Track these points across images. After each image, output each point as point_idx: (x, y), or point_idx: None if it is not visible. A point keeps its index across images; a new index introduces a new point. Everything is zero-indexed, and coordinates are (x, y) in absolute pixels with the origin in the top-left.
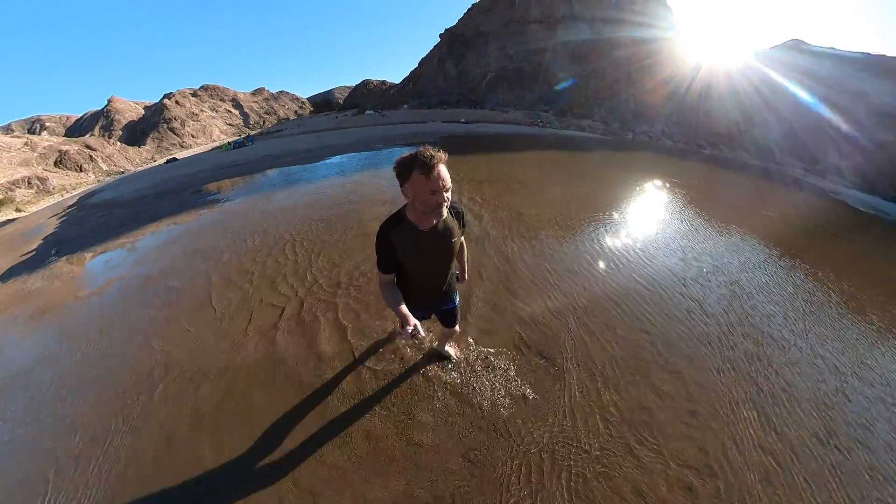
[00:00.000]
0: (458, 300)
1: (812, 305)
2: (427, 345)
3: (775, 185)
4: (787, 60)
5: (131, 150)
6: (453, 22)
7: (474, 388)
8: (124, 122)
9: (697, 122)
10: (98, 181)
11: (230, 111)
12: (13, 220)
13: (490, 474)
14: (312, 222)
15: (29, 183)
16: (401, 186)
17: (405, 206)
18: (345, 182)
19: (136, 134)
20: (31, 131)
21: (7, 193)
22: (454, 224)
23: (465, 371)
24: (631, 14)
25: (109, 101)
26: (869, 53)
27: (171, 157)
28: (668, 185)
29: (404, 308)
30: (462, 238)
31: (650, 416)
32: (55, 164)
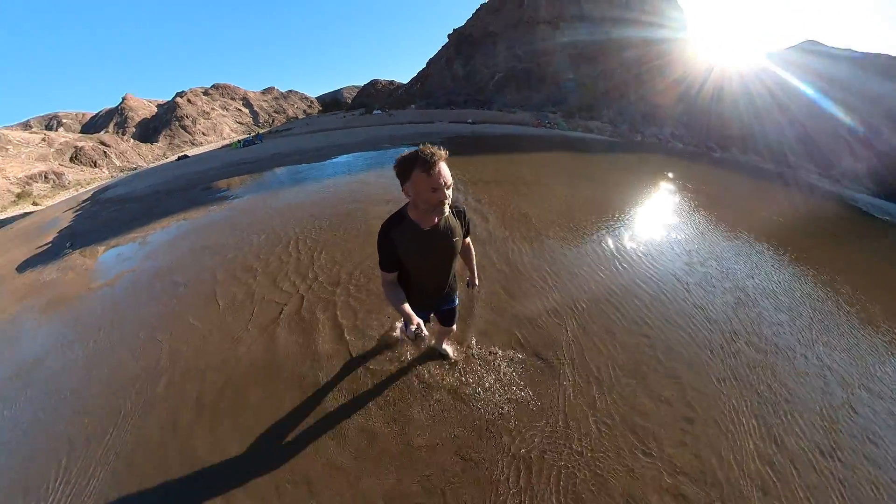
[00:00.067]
0: (457, 300)
1: (821, 314)
2: (425, 343)
3: (787, 189)
4: (802, 62)
5: (144, 147)
6: (462, 22)
7: (470, 387)
8: (138, 119)
9: (708, 125)
10: (112, 177)
11: (240, 110)
12: (30, 213)
13: (482, 472)
14: (317, 220)
15: (45, 177)
16: (402, 185)
17: (406, 205)
18: (351, 181)
19: (148, 131)
20: (49, 127)
21: (25, 188)
22: (456, 223)
23: (462, 370)
24: (641, 14)
25: (124, 98)
26: (886, 55)
27: (182, 154)
28: (676, 188)
29: (408, 307)
30: (468, 239)
31: (646, 421)
32: (71, 159)
